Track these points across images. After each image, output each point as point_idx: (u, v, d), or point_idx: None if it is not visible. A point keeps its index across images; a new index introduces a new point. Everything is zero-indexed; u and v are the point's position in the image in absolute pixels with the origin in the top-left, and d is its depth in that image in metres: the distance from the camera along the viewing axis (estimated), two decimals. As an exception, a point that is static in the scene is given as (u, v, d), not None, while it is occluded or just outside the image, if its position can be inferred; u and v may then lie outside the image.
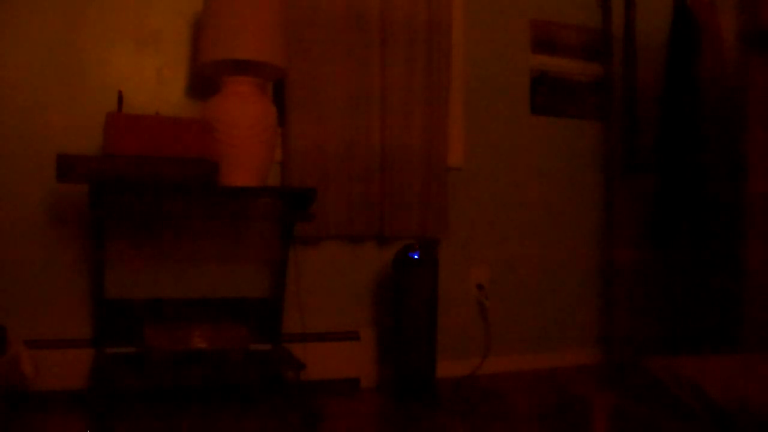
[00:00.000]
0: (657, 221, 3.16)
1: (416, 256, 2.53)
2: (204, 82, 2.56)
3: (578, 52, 3.23)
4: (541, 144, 3.15)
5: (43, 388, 2.26)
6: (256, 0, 2.20)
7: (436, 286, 2.57)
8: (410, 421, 2.27)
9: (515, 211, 3.09)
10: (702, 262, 3.24)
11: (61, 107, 2.40)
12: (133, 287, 2.46)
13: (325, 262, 2.74)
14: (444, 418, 2.30)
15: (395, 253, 2.61)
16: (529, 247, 3.12)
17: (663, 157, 3.14)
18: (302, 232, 2.61)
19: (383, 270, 2.83)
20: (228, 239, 2.59)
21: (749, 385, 1.42)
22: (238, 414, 2.26)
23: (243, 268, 2.61)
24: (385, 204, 2.74)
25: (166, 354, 2.20)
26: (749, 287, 2.54)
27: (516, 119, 3.10)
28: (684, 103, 3.09)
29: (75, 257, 2.40)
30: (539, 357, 3.12)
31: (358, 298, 2.79)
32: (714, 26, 3.16)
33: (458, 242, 2.97)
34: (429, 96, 2.81)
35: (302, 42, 2.62)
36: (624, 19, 3.22)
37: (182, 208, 2.35)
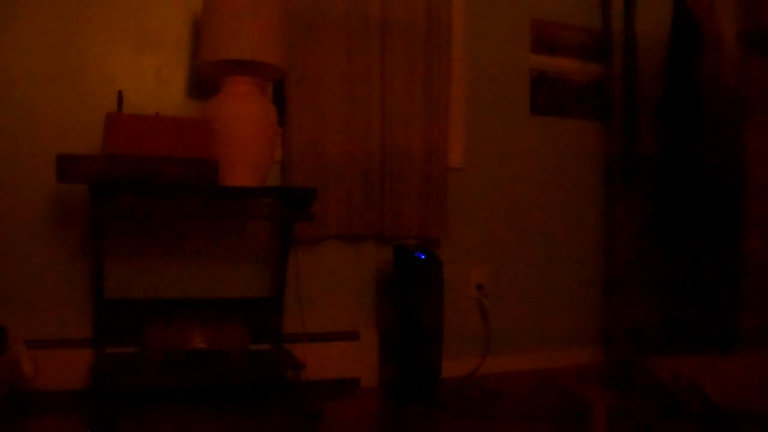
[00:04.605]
0: (657, 221, 3.16)
1: (423, 257, 2.53)
2: (204, 82, 2.56)
3: (578, 52, 3.23)
4: (541, 144, 3.15)
5: (43, 388, 2.26)
6: (256, 0, 2.20)
7: (442, 287, 2.57)
8: (411, 421, 2.27)
9: (515, 211, 3.09)
10: (702, 262, 3.24)
11: (61, 107, 2.40)
12: (133, 287, 2.46)
13: (325, 262, 2.74)
14: (444, 418, 2.30)
15: (394, 253, 2.61)
16: (529, 247, 3.12)
17: (663, 157, 3.14)
18: (302, 232, 2.61)
19: (383, 270, 2.82)
20: (228, 239, 2.59)
21: (749, 385, 1.42)
22: (238, 414, 2.26)
23: (243, 268, 2.61)
24: (385, 204, 2.74)
25: (166, 354, 2.20)
26: (749, 287, 2.54)
27: (516, 119, 3.10)
28: (684, 102, 3.09)
29: (75, 257, 2.40)
30: (539, 357, 3.12)
31: (359, 298, 2.79)
32: (714, 26, 3.16)
33: (458, 242, 2.97)
34: (429, 96, 2.81)
35: (302, 42, 2.62)
36: (624, 19, 3.22)
37: (182, 208, 2.35)
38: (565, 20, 3.20)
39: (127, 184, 2.02)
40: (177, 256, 2.52)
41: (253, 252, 2.63)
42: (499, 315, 3.05)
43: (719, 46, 3.17)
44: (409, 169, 2.78)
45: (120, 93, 2.18)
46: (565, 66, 3.20)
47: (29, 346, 2.22)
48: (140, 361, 2.22)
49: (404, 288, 2.54)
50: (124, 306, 2.38)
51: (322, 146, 2.64)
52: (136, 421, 2.15)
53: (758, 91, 2.53)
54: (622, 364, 3.12)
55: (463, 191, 2.99)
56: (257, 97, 2.26)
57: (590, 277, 3.25)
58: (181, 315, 2.44)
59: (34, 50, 2.37)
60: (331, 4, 2.66)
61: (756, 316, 2.50)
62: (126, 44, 2.48)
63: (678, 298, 3.27)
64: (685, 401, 1.43)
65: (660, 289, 3.28)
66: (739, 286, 2.59)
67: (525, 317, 3.10)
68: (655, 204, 3.16)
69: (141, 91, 2.49)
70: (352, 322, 2.77)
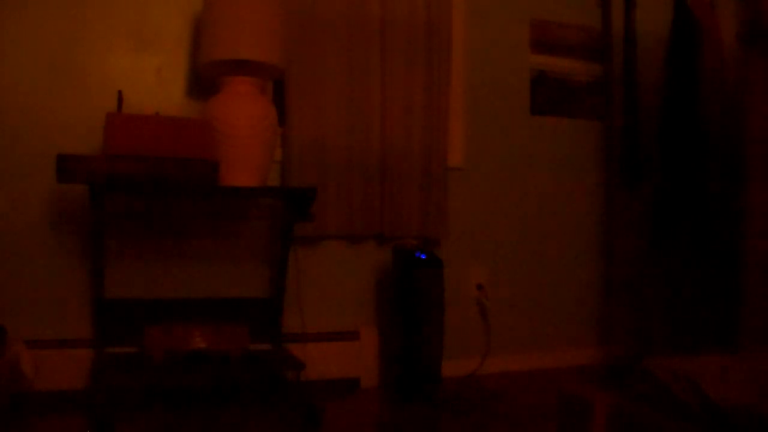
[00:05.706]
0: (657, 221, 3.16)
1: (423, 257, 2.53)
2: (204, 82, 2.56)
3: (578, 52, 3.23)
4: (541, 144, 3.15)
5: (43, 388, 2.26)
6: (256, 0, 2.20)
7: (442, 287, 2.57)
8: (411, 421, 2.27)
9: (515, 211, 3.09)
10: (702, 262, 3.24)
11: (61, 107, 2.40)
12: (133, 287, 2.46)
13: (325, 262, 2.74)
14: (444, 418, 2.30)
15: (394, 253, 2.61)
16: (529, 247, 3.12)
17: (663, 157, 3.14)
18: (302, 232, 2.61)
19: (383, 270, 2.82)
20: (228, 239, 2.59)
21: (749, 385, 1.41)
22: (238, 414, 2.26)
23: (243, 268, 2.61)
24: (385, 204, 2.74)
25: (166, 354, 2.20)
26: (749, 287, 2.54)
27: (516, 119, 3.10)
28: (684, 102, 3.09)
29: (75, 257, 2.40)
30: (539, 357, 3.12)
31: (358, 298, 2.79)
32: (714, 26, 3.16)
33: (458, 242, 2.97)
34: (429, 96, 2.81)
35: (302, 42, 2.62)
36: (624, 19, 3.22)
37: (182, 208, 2.35)
38: (565, 20, 3.20)
39: (127, 183, 2.02)
40: (177, 256, 2.52)
41: (253, 252, 2.63)
42: (499, 315, 3.05)
43: (719, 46, 3.17)
44: (409, 169, 2.78)
45: (120, 93, 2.18)
46: (565, 66, 3.20)
47: (29, 346, 2.22)
48: (140, 362, 2.22)
49: (404, 288, 2.54)
50: (124, 306, 2.38)
51: (322, 146, 2.64)
52: (136, 421, 2.15)
53: (758, 91, 2.53)
54: (622, 364, 3.11)
55: (463, 191, 2.99)
56: (257, 97, 2.26)
57: (590, 277, 3.25)
58: (181, 315, 2.44)
59: (35, 51, 2.37)
60: (331, 4, 2.66)
61: (756, 316, 2.50)
62: (126, 44, 2.48)
63: (678, 298, 3.27)
64: (685, 401, 1.43)
65: (660, 289, 3.28)
66: (739, 285, 2.59)
67: (525, 317, 3.10)
68: (655, 204, 3.16)
69: (141, 91, 2.49)
70: (352, 322, 2.77)
